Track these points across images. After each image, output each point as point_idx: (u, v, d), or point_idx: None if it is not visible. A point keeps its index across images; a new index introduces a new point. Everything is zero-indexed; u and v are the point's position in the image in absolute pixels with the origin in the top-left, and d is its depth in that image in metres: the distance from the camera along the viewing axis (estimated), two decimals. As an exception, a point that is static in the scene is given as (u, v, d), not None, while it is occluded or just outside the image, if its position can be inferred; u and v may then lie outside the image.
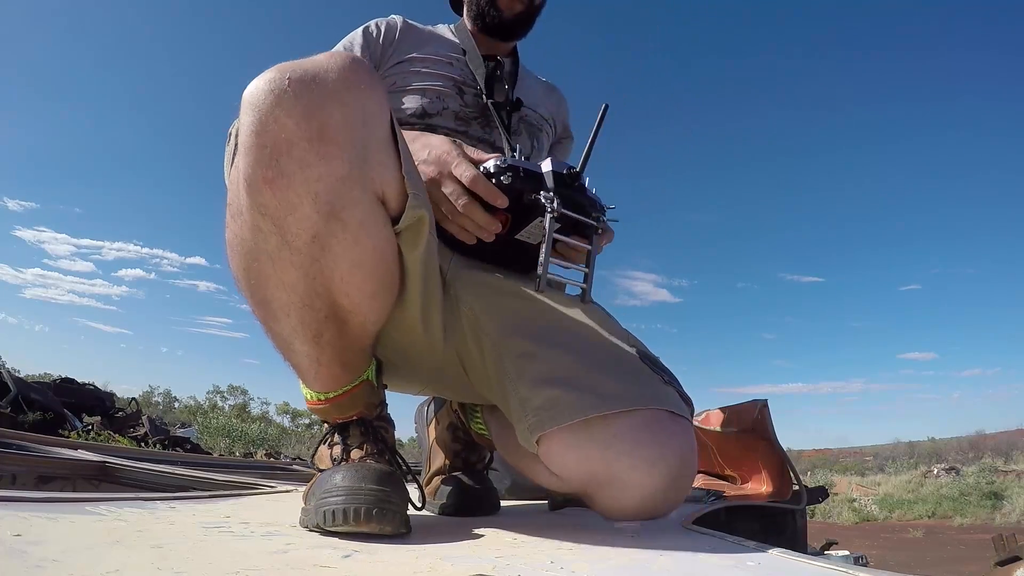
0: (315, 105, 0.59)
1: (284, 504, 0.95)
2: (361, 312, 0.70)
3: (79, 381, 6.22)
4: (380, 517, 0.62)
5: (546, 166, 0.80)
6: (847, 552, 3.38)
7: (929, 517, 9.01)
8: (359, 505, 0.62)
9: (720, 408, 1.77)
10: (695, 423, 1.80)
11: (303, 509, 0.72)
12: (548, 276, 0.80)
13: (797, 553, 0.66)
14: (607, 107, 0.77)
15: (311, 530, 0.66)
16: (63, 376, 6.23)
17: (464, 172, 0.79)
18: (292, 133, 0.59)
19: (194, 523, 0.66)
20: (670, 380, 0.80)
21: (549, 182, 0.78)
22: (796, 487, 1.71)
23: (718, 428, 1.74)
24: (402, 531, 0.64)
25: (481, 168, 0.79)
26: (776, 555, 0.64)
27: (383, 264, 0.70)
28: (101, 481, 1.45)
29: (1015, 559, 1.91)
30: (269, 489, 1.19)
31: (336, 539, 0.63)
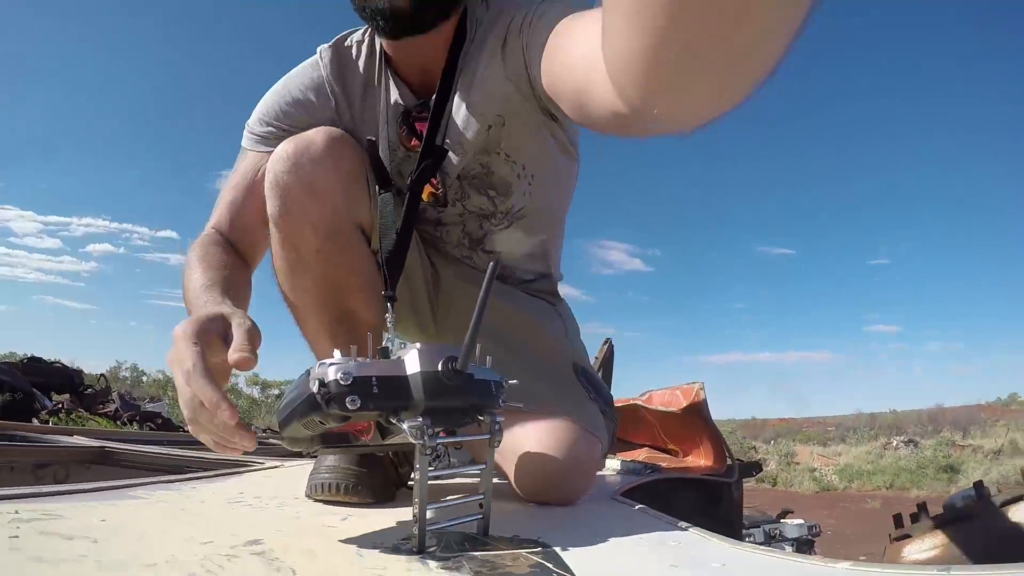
0: (305, 167, 0.83)
1: (282, 479, 1.11)
2: (363, 310, 0.90)
3: (46, 359, 6.17)
4: (352, 491, 0.81)
5: (412, 362, 0.54)
6: (801, 520, 3.54)
7: (887, 488, 8.98)
8: (339, 481, 0.82)
9: (662, 389, 1.98)
10: (640, 403, 2.01)
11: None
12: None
13: (713, 534, 0.68)
14: (497, 264, 0.53)
15: (308, 496, 0.84)
16: (30, 355, 6.17)
17: (199, 391, 0.59)
18: (292, 186, 0.83)
19: (219, 500, 0.82)
20: (596, 397, 0.97)
21: (417, 392, 0.53)
22: (730, 462, 1.92)
23: (660, 407, 1.95)
24: (368, 500, 0.82)
25: (313, 384, 0.52)
26: (694, 533, 0.69)
27: (370, 270, 0.91)
28: (102, 465, 1.57)
29: (907, 536, 1.94)
30: (259, 465, 1.34)
31: (334, 507, 0.80)
